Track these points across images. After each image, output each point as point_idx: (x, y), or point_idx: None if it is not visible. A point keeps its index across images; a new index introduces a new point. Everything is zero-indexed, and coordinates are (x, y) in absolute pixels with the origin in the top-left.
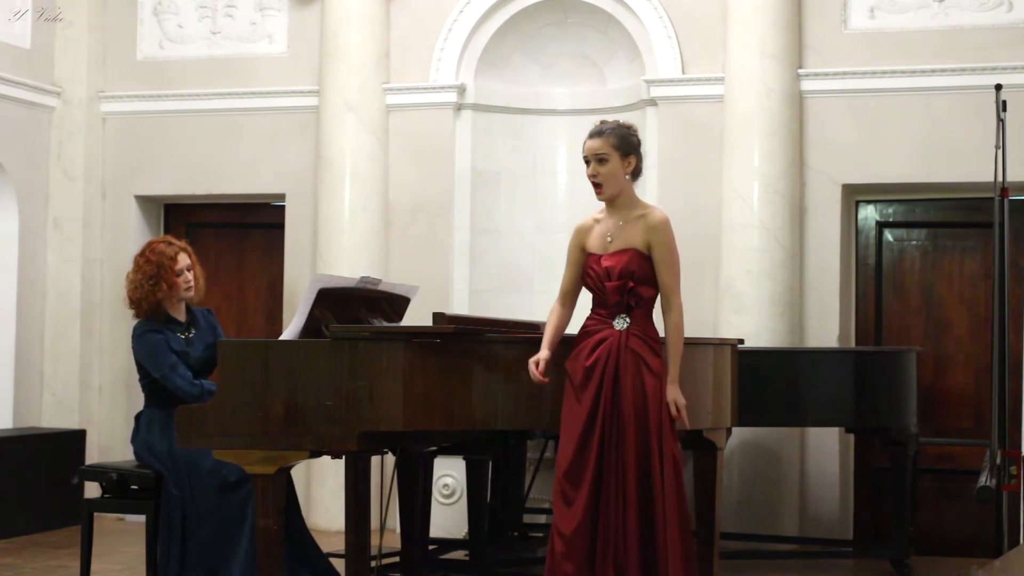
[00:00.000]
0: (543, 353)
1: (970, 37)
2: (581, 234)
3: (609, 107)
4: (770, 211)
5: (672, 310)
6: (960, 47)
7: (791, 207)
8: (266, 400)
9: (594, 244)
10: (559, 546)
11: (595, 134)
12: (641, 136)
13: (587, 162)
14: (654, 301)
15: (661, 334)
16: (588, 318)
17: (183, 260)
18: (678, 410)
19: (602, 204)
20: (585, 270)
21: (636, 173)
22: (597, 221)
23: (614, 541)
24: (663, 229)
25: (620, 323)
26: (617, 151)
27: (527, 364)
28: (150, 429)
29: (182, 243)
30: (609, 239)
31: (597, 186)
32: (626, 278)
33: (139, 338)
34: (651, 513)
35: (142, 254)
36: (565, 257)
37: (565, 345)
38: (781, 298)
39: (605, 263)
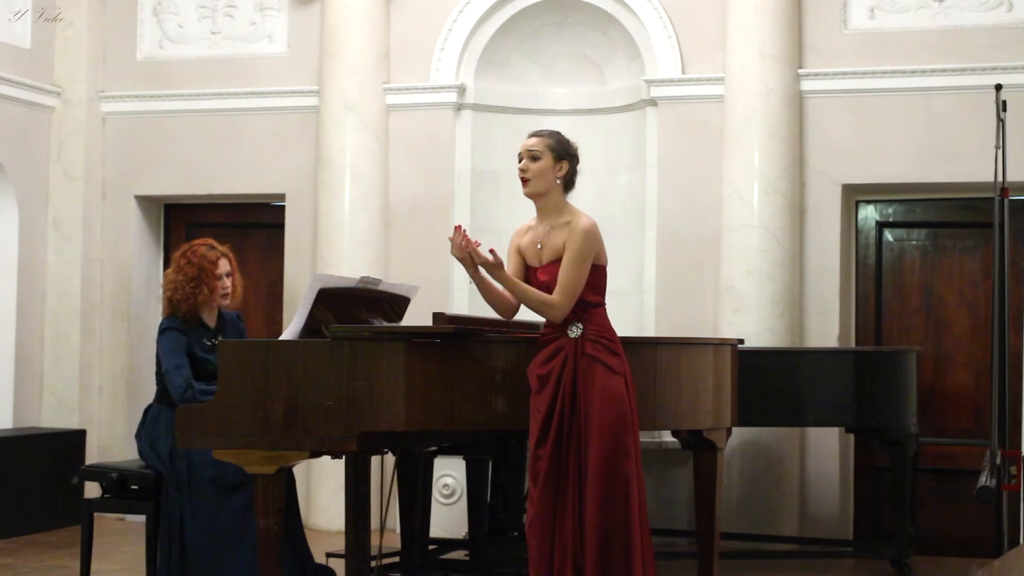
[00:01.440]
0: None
1: (970, 37)
2: (516, 236)
3: (609, 107)
4: (770, 211)
5: (553, 299)
6: (960, 47)
7: (791, 207)
8: (266, 400)
9: (528, 252)
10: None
11: (533, 134)
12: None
13: (519, 159)
14: (602, 303)
15: (619, 332)
16: (545, 326)
17: (224, 266)
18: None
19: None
20: (527, 283)
21: (568, 183)
22: (530, 228)
23: (572, 543)
24: (579, 236)
25: (574, 331)
26: (551, 152)
27: (528, 364)
28: (156, 425)
29: (224, 248)
30: (539, 246)
31: (524, 181)
32: None
33: (163, 332)
34: (623, 514)
35: (183, 255)
36: None
37: (529, 346)
38: (781, 298)
39: (541, 277)
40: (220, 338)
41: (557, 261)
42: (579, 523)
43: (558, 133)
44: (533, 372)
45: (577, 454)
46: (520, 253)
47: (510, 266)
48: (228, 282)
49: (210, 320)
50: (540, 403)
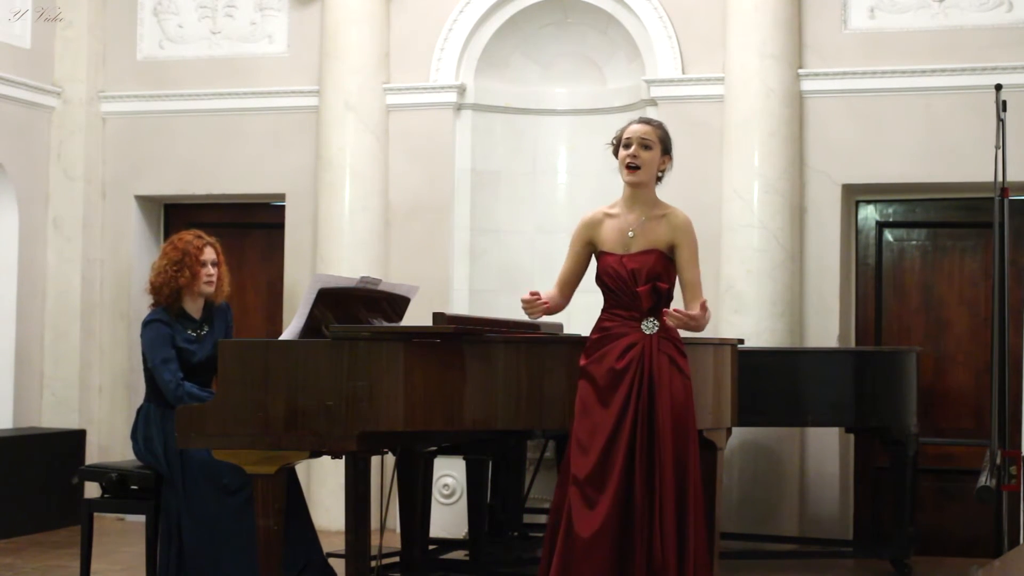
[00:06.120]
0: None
1: (970, 37)
2: (590, 228)
3: (609, 107)
4: (770, 211)
5: (702, 308)
6: (960, 47)
7: (791, 207)
8: (266, 400)
9: (610, 241)
10: (578, 548)
11: (644, 122)
12: None
13: (627, 145)
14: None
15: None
16: (606, 319)
17: (209, 253)
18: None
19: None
20: (603, 269)
21: (661, 176)
22: (609, 215)
23: (648, 545)
24: (689, 229)
25: (649, 326)
26: (661, 144)
27: (527, 364)
28: (147, 424)
29: (212, 239)
30: (631, 234)
31: (633, 168)
32: (654, 280)
33: (146, 325)
34: (685, 516)
35: (170, 242)
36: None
37: (581, 346)
38: (781, 298)
39: (629, 265)
40: (206, 329)
41: (650, 251)
42: (660, 527)
43: (665, 125)
44: (605, 367)
45: (653, 455)
46: (591, 243)
47: (571, 259)
48: (213, 271)
49: (195, 311)
50: (614, 401)
